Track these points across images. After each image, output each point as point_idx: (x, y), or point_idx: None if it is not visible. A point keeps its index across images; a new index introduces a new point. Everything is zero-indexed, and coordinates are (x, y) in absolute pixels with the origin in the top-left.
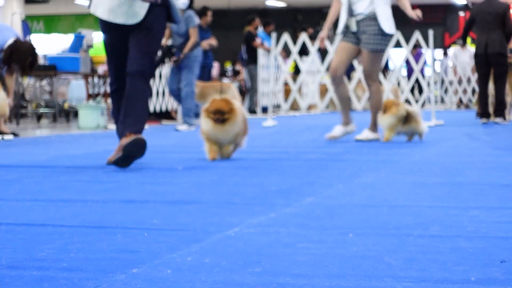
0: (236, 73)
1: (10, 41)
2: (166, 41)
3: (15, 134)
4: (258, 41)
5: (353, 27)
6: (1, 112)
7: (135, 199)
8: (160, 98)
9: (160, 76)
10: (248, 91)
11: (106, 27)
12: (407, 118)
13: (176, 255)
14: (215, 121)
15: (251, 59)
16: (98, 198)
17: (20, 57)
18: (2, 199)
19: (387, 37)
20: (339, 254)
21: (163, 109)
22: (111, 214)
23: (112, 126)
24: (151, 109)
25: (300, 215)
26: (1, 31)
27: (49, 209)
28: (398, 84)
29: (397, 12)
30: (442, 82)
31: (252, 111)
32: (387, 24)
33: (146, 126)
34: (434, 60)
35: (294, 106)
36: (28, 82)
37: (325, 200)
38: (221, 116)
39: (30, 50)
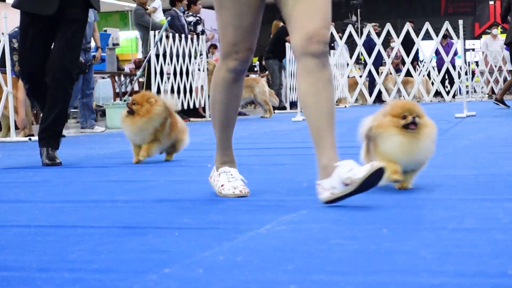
0: (263, 68)
1: None
2: None
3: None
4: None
5: None
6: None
7: (165, 198)
8: (188, 95)
9: (187, 72)
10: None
11: (25, 19)
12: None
13: (208, 254)
14: (127, 113)
15: (271, 54)
16: (128, 198)
17: None
18: (31, 201)
19: None
20: (373, 250)
21: (191, 106)
22: (142, 214)
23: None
24: (179, 106)
25: (333, 211)
26: None
27: (79, 210)
28: (429, 75)
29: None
30: (473, 73)
31: (281, 107)
32: None
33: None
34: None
35: None
36: None
37: (358, 194)
38: (130, 104)
39: None
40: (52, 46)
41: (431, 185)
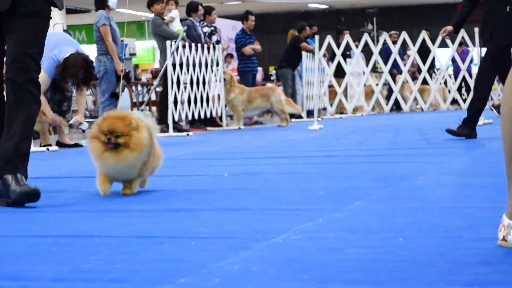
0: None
1: (66, 55)
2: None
3: (78, 145)
4: (305, 44)
5: None
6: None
7: (181, 207)
8: (204, 104)
9: (204, 81)
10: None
11: None
12: None
13: (223, 263)
14: (106, 146)
15: (284, 63)
16: (144, 207)
17: (73, 71)
18: (48, 211)
19: None
20: (389, 259)
21: (208, 115)
22: (158, 224)
23: (157, 135)
24: (196, 115)
25: (348, 220)
26: (59, 44)
27: (95, 220)
28: (445, 83)
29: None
30: None
31: (297, 115)
32: None
33: (191, 133)
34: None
35: (340, 109)
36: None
37: (373, 203)
38: (114, 139)
39: (81, 64)
40: (6, 47)
41: (448, 194)
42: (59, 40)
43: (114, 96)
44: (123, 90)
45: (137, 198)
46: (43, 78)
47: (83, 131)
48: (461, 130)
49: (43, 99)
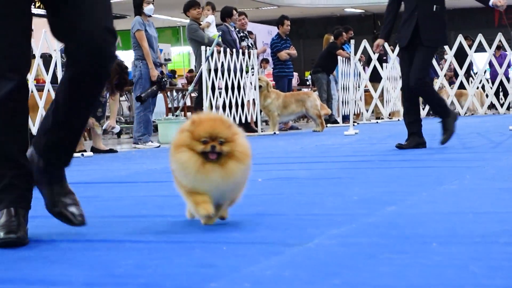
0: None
1: None
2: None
3: (113, 151)
4: (342, 51)
5: None
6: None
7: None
8: (239, 110)
9: (239, 86)
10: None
11: None
12: None
13: (255, 268)
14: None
15: (319, 68)
16: (177, 213)
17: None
18: None
19: None
20: (422, 264)
21: (243, 120)
22: (190, 229)
23: None
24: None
25: (382, 225)
26: None
27: (128, 225)
28: (483, 88)
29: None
30: None
31: (332, 120)
32: None
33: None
34: None
35: (376, 113)
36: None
37: (408, 208)
38: (219, 147)
39: (116, 69)
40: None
41: (484, 199)
42: None
43: (139, 100)
44: (154, 96)
45: (170, 203)
46: None
47: (118, 136)
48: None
49: None
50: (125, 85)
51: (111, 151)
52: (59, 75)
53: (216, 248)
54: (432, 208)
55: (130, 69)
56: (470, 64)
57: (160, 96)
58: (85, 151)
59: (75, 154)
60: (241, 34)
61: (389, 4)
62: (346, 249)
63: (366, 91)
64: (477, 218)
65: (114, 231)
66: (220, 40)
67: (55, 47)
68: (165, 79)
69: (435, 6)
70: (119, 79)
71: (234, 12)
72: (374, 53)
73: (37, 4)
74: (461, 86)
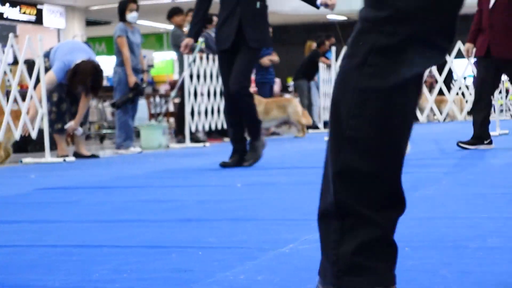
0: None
1: (77, 61)
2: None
3: (95, 156)
4: (324, 59)
5: None
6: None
7: (193, 217)
8: (221, 115)
9: (221, 92)
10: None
11: None
12: None
13: (229, 273)
14: None
15: (301, 74)
16: (156, 217)
17: (82, 77)
18: (60, 221)
19: None
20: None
21: (225, 126)
22: (168, 234)
23: (174, 145)
24: (213, 126)
25: None
26: (72, 51)
27: (106, 230)
28: (463, 94)
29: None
30: (507, 91)
31: (314, 126)
32: None
33: (208, 144)
34: None
35: None
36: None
37: None
38: None
39: (91, 71)
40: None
41: (458, 204)
42: (74, 47)
43: (113, 106)
44: (131, 102)
45: (150, 208)
46: (51, 77)
47: (101, 141)
48: None
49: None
50: (99, 88)
51: (93, 156)
52: (43, 81)
53: (192, 253)
54: (407, 213)
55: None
56: (451, 71)
57: (142, 101)
58: (67, 156)
59: (57, 159)
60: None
61: (200, 1)
62: (320, 254)
63: None
64: (450, 223)
65: (93, 236)
66: (203, 46)
67: (38, 53)
68: (144, 85)
69: (258, 2)
70: (93, 81)
71: (214, 18)
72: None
73: (22, 10)
74: (442, 92)
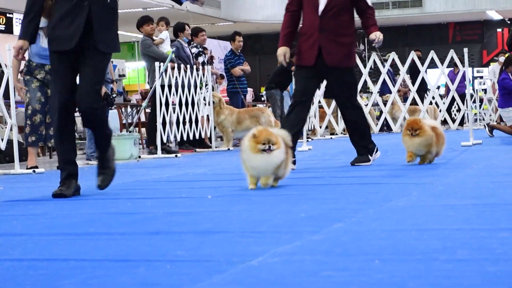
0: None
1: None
2: None
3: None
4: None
5: None
6: None
7: (161, 230)
8: (193, 126)
9: (193, 103)
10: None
11: None
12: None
13: (197, 287)
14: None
15: (273, 84)
16: (124, 230)
17: None
18: (27, 234)
19: None
20: (363, 282)
21: (197, 136)
22: (136, 247)
23: (145, 156)
24: (185, 136)
25: (327, 242)
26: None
27: (74, 243)
28: (437, 104)
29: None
30: (481, 100)
31: None
32: None
33: (179, 154)
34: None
35: (331, 129)
36: None
37: (354, 225)
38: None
39: None
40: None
41: (429, 215)
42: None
43: None
44: None
45: (118, 221)
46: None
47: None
48: None
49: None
50: None
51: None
52: (11, 91)
53: (160, 267)
54: (378, 225)
55: None
56: (424, 80)
57: (114, 112)
58: (36, 167)
59: (26, 171)
60: (199, 49)
61: None
62: (288, 267)
63: (320, 107)
64: (420, 235)
65: (60, 250)
66: (174, 56)
67: (7, 62)
68: (113, 96)
69: None
70: None
71: (187, 27)
72: None
73: None
74: (416, 102)
